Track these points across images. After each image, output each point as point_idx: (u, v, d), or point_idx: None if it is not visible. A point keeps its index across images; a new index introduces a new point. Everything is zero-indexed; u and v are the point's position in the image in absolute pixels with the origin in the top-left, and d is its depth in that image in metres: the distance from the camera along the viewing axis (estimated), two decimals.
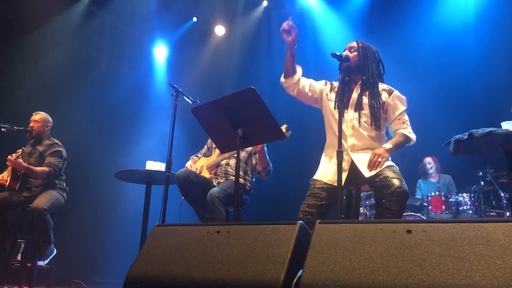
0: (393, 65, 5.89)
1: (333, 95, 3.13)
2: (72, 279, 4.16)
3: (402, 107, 3.04)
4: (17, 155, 4.36)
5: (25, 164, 4.35)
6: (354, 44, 3.13)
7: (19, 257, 4.70)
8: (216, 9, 7.85)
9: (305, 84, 3.16)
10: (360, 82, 3.06)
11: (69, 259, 5.51)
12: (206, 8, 7.85)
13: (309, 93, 3.17)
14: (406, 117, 3.05)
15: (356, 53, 3.08)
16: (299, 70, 3.14)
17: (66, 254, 5.25)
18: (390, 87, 3.09)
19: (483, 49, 5.98)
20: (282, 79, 3.14)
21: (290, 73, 3.10)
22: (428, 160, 6.02)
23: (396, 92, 3.06)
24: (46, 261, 4.35)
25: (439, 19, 6.38)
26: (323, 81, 3.26)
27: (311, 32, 7.14)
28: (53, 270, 4.53)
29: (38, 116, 4.69)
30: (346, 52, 3.09)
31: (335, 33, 6.90)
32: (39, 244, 4.35)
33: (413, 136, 3.02)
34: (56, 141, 4.70)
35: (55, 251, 4.43)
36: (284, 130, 3.43)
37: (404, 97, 3.08)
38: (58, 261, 4.71)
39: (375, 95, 3.00)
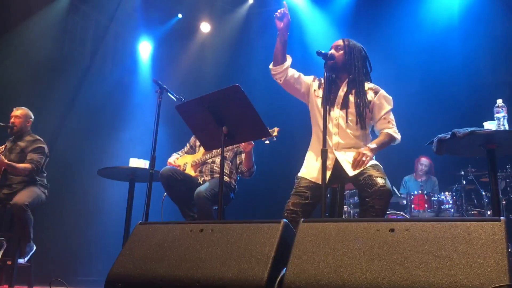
0: (378, 63, 5.95)
1: (321, 92, 3.11)
2: (54, 277, 4.10)
3: (388, 107, 3.04)
4: (0, 151, 4.29)
5: (6, 161, 4.27)
6: (340, 42, 3.13)
7: None
8: (202, 6, 7.81)
9: (293, 75, 3.14)
10: (346, 80, 3.06)
11: (50, 257, 5.44)
12: (192, 4, 7.80)
13: (296, 85, 3.16)
14: (391, 116, 3.06)
15: (342, 51, 3.08)
16: (289, 59, 3.13)
17: (47, 252, 5.19)
18: (376, 86, 3.10)
19: (467, 49, 6.05)
20: (271, 66, 3.12)
21: (279, 60, 3.08)
22: (424, 161, 6.04)
23: (382, 92, 3.07)
24: (26, 259, 4.29)
25: (423, 19, 6.43)
26: (311, 77, 3.24)
27: (297, 30, 7.14)
28: (33, 268, 4.47)
29: (19, 111, 4.61)
30: (333, 51, 3.09)
31: (321, 31, 6.92)
32: (19, 241, 4.28)
33: (398, 136, 3.03)
34: (38, 137, 4.62)
35: (35, 248, 4.37)
36: (276, 134, 3.43)
37: (390, 97, 3.09)
38: (39, 259, 4.64)
39: (361, 94, 3.01)
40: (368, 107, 3.01)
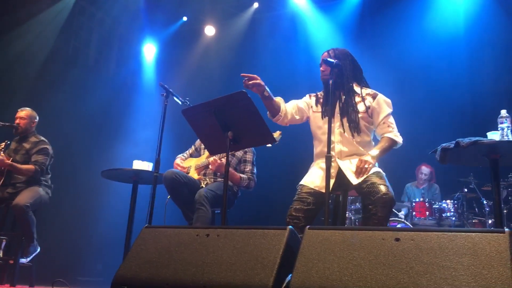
0: (382, 71, 5.99)
1: (318, 107, 3.18)
2: (55, 277, 4.11)
3: (387, 110, 3.05)
4: (0, 148, 4.30)
5: (8, 162, 4.29)
6: (326, 55, 3.14)
7: (0, 254, 4.63)
8: (207, 9, 7.84)
9: (292, 112, 3.20)
10: (343, 89, 3.09)
11: (52, 257, 5.45)
12: (197, 7, 7.84)
13: (298, 117, 3.21)
14: (391, 119, 3.07)
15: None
16: (281, 104, 3.16)
17: (49, 252, 5.19)
18: (374, 91, 3.12)
19: (472, 58, 6.06)
20: (270, 117, 3.15)
21: (275, 112, 3.12)
22: (424, 169, 6.04)
23: (380, 96, 3.08)
24: (28, 259, 4.30)
25: (428, 27, 6.45)
26: (306, 96, 3.31)
27: (302, 35, 7.17)
28: (35, 267, 4.48)
29: (24, 112, 4.62)
30: (324, 67, 3.11)
31: (326, 37, 6.94)
32: (22, 241, 4.29)
33: (399, 139, 3.04)
34: (42, 138, 4.63)
35: (39, 249, 4.37)
36: (277, 136, 3.46)
37: (389, 100, 3.09)
38: (41, 259, 4.65)
39: (351, 101, 3.03)
40: (367, 113, 3.03)
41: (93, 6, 7.26)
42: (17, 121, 4.58)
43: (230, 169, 3.84)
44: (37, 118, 4.71)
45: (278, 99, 3.16)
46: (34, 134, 4.66)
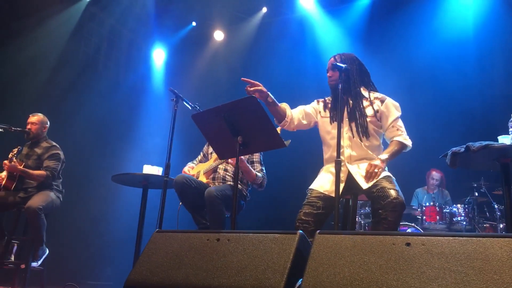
0: (391, 74, 5.97)
1: (327, 113, 3.19)
2: (66, 281, 4.16)
3: (395, 114, 3.05)
4: (13, 154, 4.35)
5: (21, 167, 4.35)
6: (333, 60, 3.16)
7: (12, 258, 4.68)
8: (216, 14, 7.88)
9: (299, 117, 3.23)
10: (350, 94, 3.10)
11: (63, 261, 5.49)
12: (206, 13, 7.88)
13: (305, 122, 3.24)
14: (400, 123, 3.07)
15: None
16: (287, 110, 3.19)
17: (60, 256, 5.24)
18: (382, 95, 3.12)
19: (482, 61, 6.03)
20: (276, 123, 3.18)
21: (281, 118, 3.15)
22: (435, 174, 6.00)
23: (388, 100, 3.08)
24: (39, 262, 4.34)
25: (437, 30, 6.42)
26: (314, 102, 3.33)
27: (310, 39, 7.18)
28: (45, 271, 4.52)
29: (35, 117, 4.68)
30: (330, 72, 3.14)
31: (334, 41, 6.94)
32: (33, 245, 4.33)
33: (408, 142, 3.03)
34: (54, 143, 4.69)
35: (47, 252, 4.42)
36: (287, 143, 3.46)
37: (398, 104, 3.10)
38: (52, 263, 4.69)
39: (359, 105, 3.04)
40: (376, 116, 3.03)
41: (103, 12, 7.32)
42: (28, 126, 4.64)
43: (248, 166, 3.85)
44: (48, 123, 4.76)
45: (284, 105, 3.18)
46: (46, 139, 4.71)
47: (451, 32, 6.35)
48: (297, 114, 3.22)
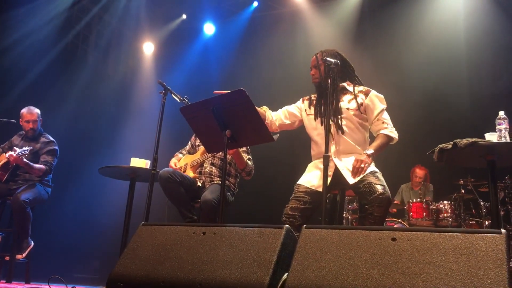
0: (380, 72, 5.99)
1: (311, 110, 3.20)
2: (51, 274, 4.11)
3: (380, 107, 3.04)
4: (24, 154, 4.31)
5: (26, 160, 4.33)
6: (314, 58, 3.18)
7: None
8: (206, 7, 7.83)
9: (280, 117, 3.28)
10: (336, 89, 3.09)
11: (48, 254, 5.45)
12: (196, 6, 7.83)
13: (288, 122, 3.28)
14: (385, 115, 3.05)
15: (321, 67, 3.11)
16: (267, 112, 3.25)
17: (45, 249, 5.19)
18: (367, 88, 3.12)
19: (471, 59, 6.06)
20: None
21: None
22: (418, 172, 6.02)
23: (373, 92, 3.08)
24: (24, 255, 4.31)
25: (428, 29, 6.45)
26: (299, 101, 3.34)
27: (301, 34, 7.16)
28: (31, 264, 4.48)
29: (35, 115, 4.65)
30: (313, 70, 3.17)
31: (325, 36, 6.93)
32: (17, 237, 4.30)
33: (394, 135, 3.02)
34: (51, 138, 4.72)
35: (32, 244, 4.40)
36: (275, 139, 3.45)
37: (382, 96, 3.08)
38: (37, 256, 4.65)
39: (339, 101, 3.05)
40: (359, 110, 3.02)
41: (92, 3, 7.24)
42: (30, 125, 4.62)
43: (240, 151, 3.79)
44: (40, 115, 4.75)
45: (263, 109, 3.23)
46: (43, 134, 4.73)
47: (441, 30, 6.38)
48: (278, 115, 3.28)
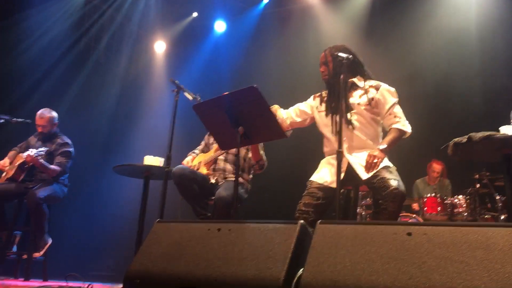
0: (392, 65, 5.94)
1: (323, 107, 3.19)
2: (68, 272, 4.16)
3: (391, 101, 3.01)
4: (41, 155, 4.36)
5: (42, 161, 4.39)
6: (323, 55, 3.17)
7: (14, 249, 4.71)
8: (217, 5, 7.84)
9: (291, 115, 3.29)
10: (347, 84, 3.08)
11: (65, 252, 5.51)
12: (207, 3, 7.84)
13: (299, 119, 3.29)
14: (397, 109, 3.01)
15: (330, 64, 3.11)
16: (277, 111, 3.23)
17: (62, 247, 5.25)
18: (378, 82, 3.09)
19: (484, 52, 5.99)
20: None
21: None
22: (436, 167, 5.96)
23: (383, 86, 3.05)
24: (41, 253, 4.36)
25: (440, 22, 6.38)
26: (311, 98, 3.33)
27: (312, 31, 7.14)
28: (48, 262, 4.54)
29: (43, 119, 4.69)
30: (323, 67, 3.15)
31: (336, 33, 6.89)
32: (35, 235, 4.36)
33: (407, 128, 2.98)
34: (67, 140, 4.77)
35: (50, 241, 4.43)
36: (288, 135, 3.45)
37: (393, 89, 3.05)
38: (54, 254, 4.71)
39: (352, 96, 3.04)
40: (370, 104, 3.01)
41: (104, 3, 7.28)
42: (40, 129, 4.70)
43: (254, 145, 3.78)
44: (57, 117, 4.78)
45: (274, 108, 3.21)
46: (59, 135, 4.79)
47: (453, 22, 6.30)
48: (289, 114, 3.28)
